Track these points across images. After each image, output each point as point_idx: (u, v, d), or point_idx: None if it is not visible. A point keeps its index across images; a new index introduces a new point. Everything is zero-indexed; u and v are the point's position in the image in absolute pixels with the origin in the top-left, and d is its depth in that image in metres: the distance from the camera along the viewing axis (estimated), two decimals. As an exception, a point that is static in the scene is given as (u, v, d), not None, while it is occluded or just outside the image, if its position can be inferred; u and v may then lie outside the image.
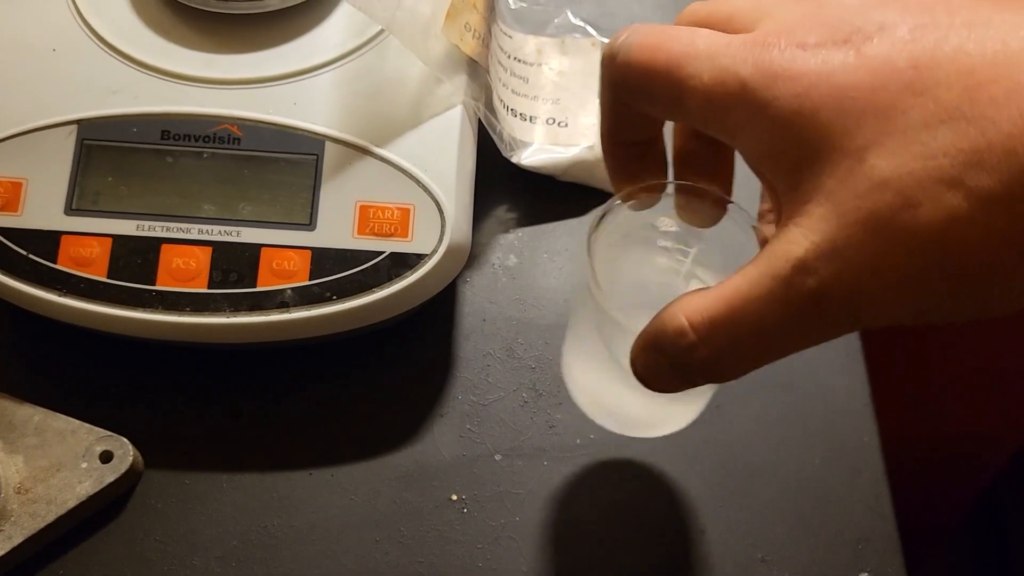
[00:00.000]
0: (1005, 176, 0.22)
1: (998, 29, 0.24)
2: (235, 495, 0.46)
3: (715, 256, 0.37)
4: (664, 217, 0.37)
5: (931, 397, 0.90)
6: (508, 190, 0.55)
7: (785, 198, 0.26)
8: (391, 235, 0.46)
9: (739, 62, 0.26)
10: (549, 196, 0.55)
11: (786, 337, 0.26)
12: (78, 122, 0.46)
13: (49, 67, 0.48)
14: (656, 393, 0.31)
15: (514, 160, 0.54)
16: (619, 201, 0.35)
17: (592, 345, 0.39)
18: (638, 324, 0.31)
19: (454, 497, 0.46)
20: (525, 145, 0.54)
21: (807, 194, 0.25)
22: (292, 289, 0.45)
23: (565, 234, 0.55)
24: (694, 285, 0.38)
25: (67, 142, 0.46)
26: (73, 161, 0.46)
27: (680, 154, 0.34)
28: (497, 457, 0.47)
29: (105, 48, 0.48)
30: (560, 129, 0.56)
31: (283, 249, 0.45)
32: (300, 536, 0.45)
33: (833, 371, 0.51)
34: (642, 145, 0.33)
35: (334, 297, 0.45)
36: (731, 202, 0.34)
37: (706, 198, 0.34)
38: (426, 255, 0.46)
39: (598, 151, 0.55)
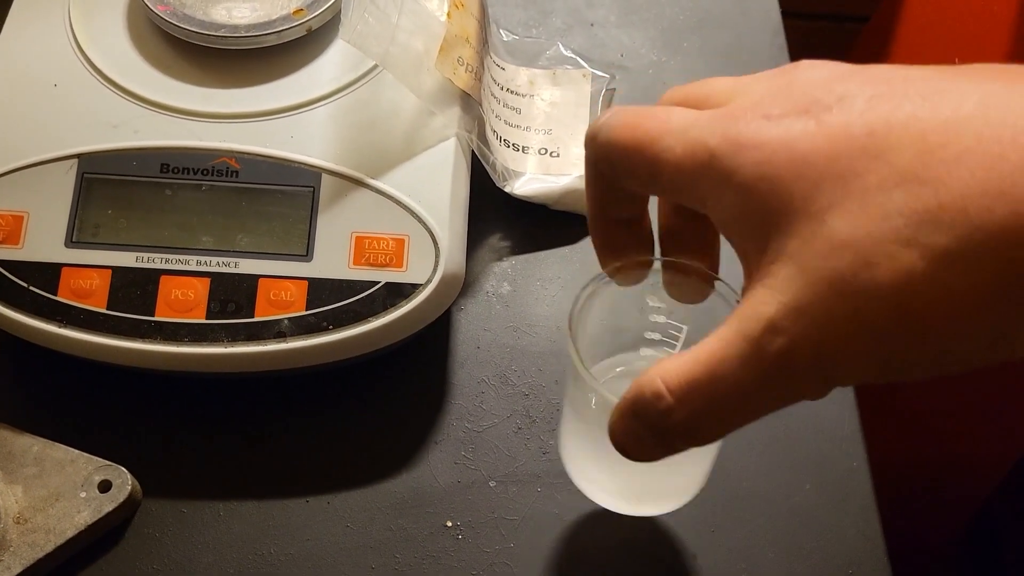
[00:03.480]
0: (958, 234, 0.23)
1: (951, 96, 0.25)
2: (232, 523, 0.46)
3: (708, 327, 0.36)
4: (652, 295, 0.37)
5: (921, 418, 0.91)
6: (501, 219, 0.56)
7: (754, 261, 0.27)
8: (386, 265, 0.47)
9: (708, 133, 0.27)
10: (541, 224, 0.56)
11: (761, 397, 0.27)
12: (78, 156, 0.47)
13: (50, 102, 0.49)
14: (651, 469, 0.31)
15: (507, 190, 0.55)
16: (605, 278, 0.36)
17: (583, 424, 0.40)
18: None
19: (449, 524, 0.47)
20: (518, 175, 0.55)
21: (773, 255, 0.26)
22: (289, 319, 0.46)
23: (557, 262, 0.56)
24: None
25: (68, 176, 0.47)
26: (74, 194, 0.47)
27: (666, 231, 0.35)
28: (491, 483, 0.48)
29: (105, 83, 0.49)
30: (552, 159, 0.57)
31: (280, 280, 0.46)
32: (297, 563, 0.45)
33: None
34: (628, 222, 0.35)
35: (330, 327, 0.46)
36: (718, 279, 0.35)
37: (692, 275, 0.35)
38: (421, 285, 0.46)
39: (590, 181, 0.56)
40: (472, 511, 0.47)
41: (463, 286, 0.51)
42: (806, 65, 0.29)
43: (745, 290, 0.28)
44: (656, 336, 0.40)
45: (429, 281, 0.46)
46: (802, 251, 0.25)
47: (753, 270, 0.27)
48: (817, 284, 0.25)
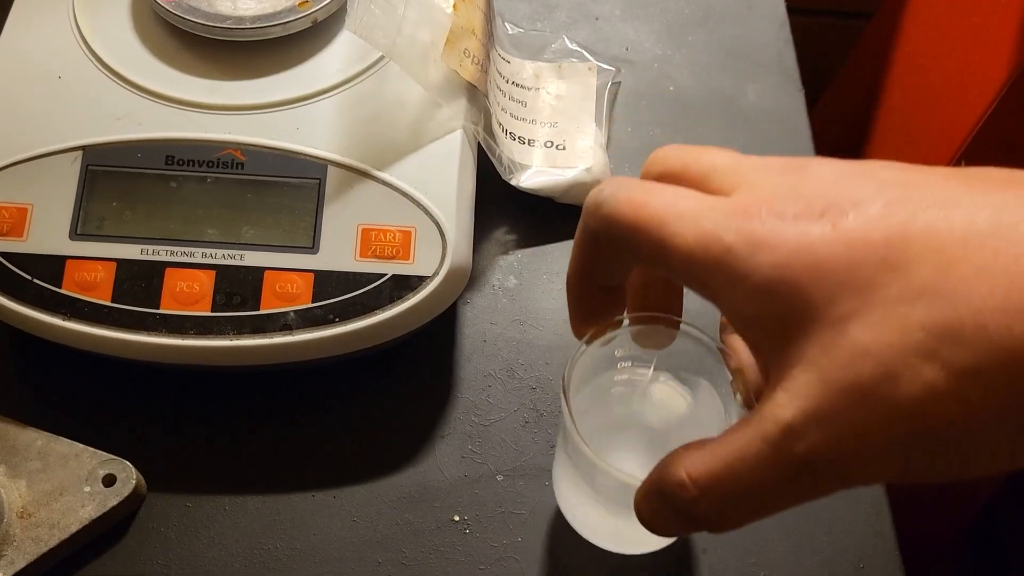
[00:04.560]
0: (978, 351, 0.24)
1: (966, 208, 0.25)
2: (238, 518, 0.46)
3: (673, 361, 0.41)
4: (620, 347, 0.41)
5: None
6: (507, 212, 0.56)
7: (771, 361, 0.28)
8: (393, 258, 0.46)
9: (722, 228, 0.27)
10: (548, 217, 0.56)
11: (780, 495, 0.27)
12: (83, 148, 0.47)
13: (54, 94, 0.48)
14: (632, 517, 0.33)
15: (513, 183, 0.54)
16: (585, 347, 0.38)
17: (575, 471, 0.41)
18: (608, 462, 0.36)
19: (456, 518, 0.46)
20: (524, 168, 0.55)
21: (792, 359, 0.26)
22: (295, 312, 0.45)
23: (563, 255, 0.55)
24: (657, 392, 0.43)
25: (72, 168, 0.47)
26: (78, 186, 0.46)
27: (636, 288, 0.36)
28: (499, 478, 0.48)
29: (110, 75, 0.49)
30: (558, 152, 0.56)
31: (286, 272, 0.46)
32: (303, 558, 0.45)
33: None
34: (610, 288, 0.35)
35: (336, 319, 0.45)
36: (683, 322, 0.38)
37: (659, 324, 0.38)
38: (427, 277, 0.46)
39: (596, 173, 0.56)
40: (479, 505, 0.47)
41: (469, 279, 0.50)
42: (816, 163, 0.29)
43: (762, 391, 0.28)
44: (628, 364, 0.42)
45: (436, 273, 0.46)
46: (822, 358, 0.26)
47: (770, 368, 0.27)
48: (837, 392, 0.25)
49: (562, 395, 0.38)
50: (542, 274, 0.54)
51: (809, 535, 0.47)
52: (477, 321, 0.53)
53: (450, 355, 0.51)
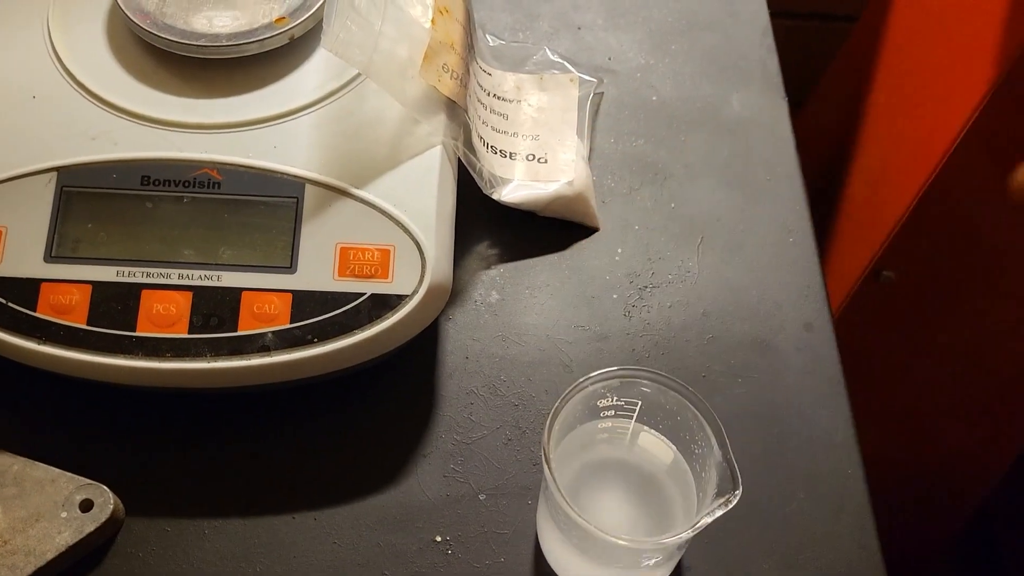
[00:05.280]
0: None
1: None
2: (218, 542, 0.45)
3: (655, 414, 0.44)
4: (604, 398, 0.43)
5: (918, 419, 0.90)
6: (489, 227, 0.56)
7: None
8: (372, 276, 0.46)
9: None
10: (530, 231, 0.56)
11: None
12: (57, 169, 0.46)
13: (28, 114, 0.48)
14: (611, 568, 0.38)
15: (495, 197, 0.54)
16: (562, 403, 0.41)
17: (554, 522, 0.43)
18: (591, 503, 0.41)
19: (438, 539, 0.46)
20: (505, 182, 0.54)
21: None
22: (273, 332, 0.45)
23: (546, 269, 0.55)
24: (644, 441, 0.45)
25: (47, 189, 0.46)
26: (52, 208, 0.46)
27: None
28: (481, 497, 0.47)
29: (84, 94, 0.48)
30: (540, 165, 0.56)
31: (264, 292, 0.45)
32: (284, 581, 0.45)
33: (815, 403, 0.51)
34: None
35: (315, 340, 0.45)
36: (664, 376, 0.43)
37: (642, 378, 0.43)
38: (407, 296, 0.46)
39: (577, 186, 0.55)
40: (462, 525, 0.46)
41: (451, 295, 0.50)
42: None
43: None
44: (611, 412, 0.44)
45: (415, 292, 0.46)
46: None
47: None
48: None
49: (543, 456, 0.40)
50: (524, 289, 0.54)
51: (793, 551, 0.47)
52: (459, 337, 0.52)
53: (432, 372, 0.51)
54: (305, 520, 0.46)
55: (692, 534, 0.39)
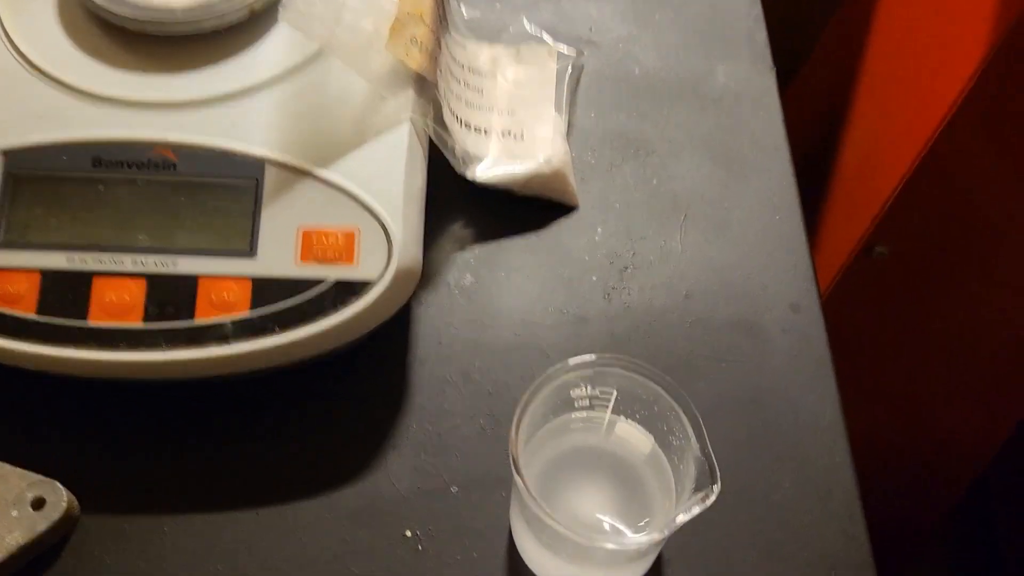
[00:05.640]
0: None
1: None
2: (177, 539, 0.43)
3: (631, 403, 0.42)
4: (577, 387, 0.41)
5: (909, 399, 0.89)
6: (463, 206, 0.54)
7: None
8: (336, 261, 0.44)
9: None
10: (506, 211, 0.53)
11: None
12: (4, 152, 0.44)
13: (-27, 93, 0.46)
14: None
15: (468, 176, 0.52)
16: (532, 394, 0.39)
17: (524, 520, 0.41)
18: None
19: (408, 533, 0.44)
20: (479, 159, 0.52)
21: None
22: (232, 321, 0.43)
23: (524, 250, 0.53)
24: (621, 430, 0.43)
25: (-8, 173, 0.44)
26: (-1, 193, 0.44)
27: None
28: (454, 489, 0.46)
29: (33, 71, 0.46)
30: (516, 142, 0.54)
31: (222, 279, 0.43)
32: (248, 579, 0.43)
33: (802, 387, 0.49)
34: None
35: (277, 328, 0.43)
36: (639, 364, 0.40)
37: (617, 367, 0.41)
38: (372, 281, 0.44)
39: (555, 163, 0.53)
40: (433, 519, 0.45)
41: (423, 278, 0.48)
42: None
43: None
44: (586, 403, 0.42)
45: (381, 277, 0.44)
46: None
47: None
48: None
49: (511, 458, 0.38)
50: (500, 271, 0.52)
51: (778, 540, 0.45)
52: (431, 322, 0.50)
53: (403, 359, 0.49)
54: (269, 515, 0.44)
55: (668, 533, 0.37)
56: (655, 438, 0.42)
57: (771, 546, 0.45)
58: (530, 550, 0.42)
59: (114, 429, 0.46)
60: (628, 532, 0.40)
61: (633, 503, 0.42)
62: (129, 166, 0.44)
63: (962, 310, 0.79)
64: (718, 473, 0.37)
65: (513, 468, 0.37)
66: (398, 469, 0.46)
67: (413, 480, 0.46)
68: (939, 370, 0.85)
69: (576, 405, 0.42)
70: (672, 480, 0.41)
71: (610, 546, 0.39)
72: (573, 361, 0.40)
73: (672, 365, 0.50)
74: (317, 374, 0.47)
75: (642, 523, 0.41)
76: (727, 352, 0.50)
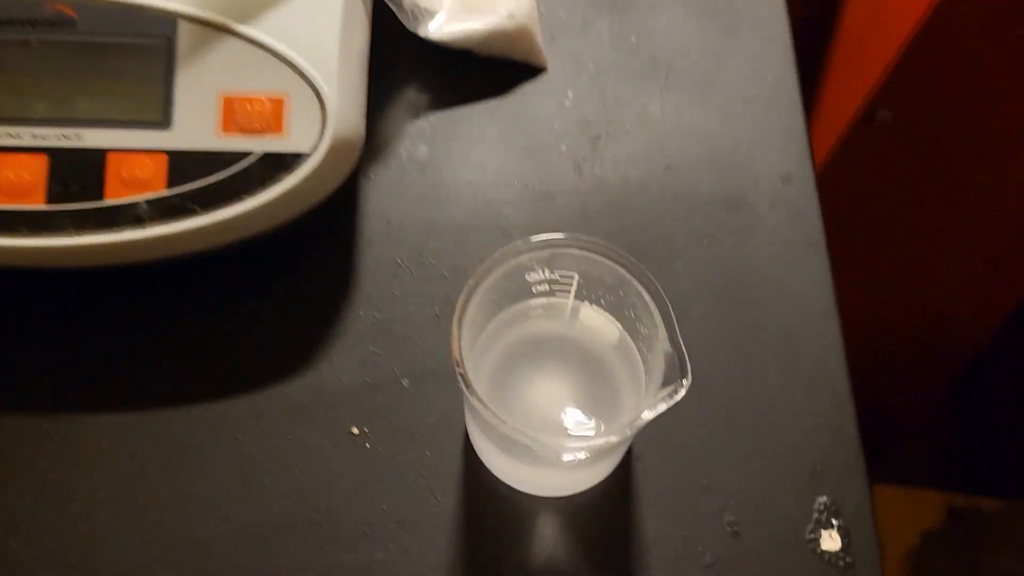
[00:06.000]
0: None
1: None
2: (102, 441, 0.40)
3: (595, 288, 0.37)
4: (532, 271, 0.37)
5: (906, 278, 0.84)
6: (415, 69, 0.48)
7: None
8: (262, 131, 0.39)
9: None
10: (464, 73, 0.48)
11: None
12: None
13: None
14: (546, 472, 0.34)
15: (420, 33, 0.46)
16: (474, 283, 0.35)
17: (472, 417, 0.38)
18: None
19: (355, 431, 0.41)
20: (431, 14, 0.46)
21: None
22: (147, 201, 0.38)
23: (484, 117, 0.47)
24: (586, 317, 0.38)
25: None
26: None
27: None
28: (405, 382, 0.42)
29: (-92, -86, 0.40)
30: (475, -6, 0.48)
31: (134, 153, 0.38)
32: (177, 484, 0.39)
33: (792, 268, 0.45)
34: None
35: (198, 208, 0.38)
36: (599, 243, 0.36)
37: (572, 248, 0.36)
38: (305, 154, 0.39)
39: (520, 19, 0.47)
40: (382, 415, 0.41)
41: (370, 150, 0.43)
42: None
43: None
44: (545, 288, 0.38)
45: (315, 149, 0.39)
46: None
47: None
48: None
49: (453, 356, 0.33)
50: (458, 141, 0.47)
51: (758, 436, 0.41)
52: (380, 199, 0.45)
53: (348, 241, 0.44)
54: (201, 413, 0.40)
55: (631, 434, 0.33)
56: (623, 325, 0.38)
57: (753, 443, 0.41)
58: (486, 451, 0.39)
59: (17, 322, 0.42)
60: (590, 430, 0.37)
61: (601, 395, 0.38)
62: (21, 24, 0.39)
63: (964, 182, 0.74)
64: (688, 366, 0.33)
65: (457, 370, 0.33)
66: (343, 361, 0.42)
67: (360, 373, 0.42)
68: (937, 247, 0.80)
69: (534, 291, 0.38)
70: (642, 371, 0.37)
71: (566, 457, 0.35)
72: (523, 243, 0.35)
73: (649, 245, 0.45)
74: (251, 260, 0.43)
75: (610, 416, 0.37)
76: (710, 229, 0.46)
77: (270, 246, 0.42)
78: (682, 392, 0.33)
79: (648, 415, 0.32)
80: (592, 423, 0.37)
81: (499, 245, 0.44)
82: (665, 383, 0.33)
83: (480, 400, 0.32)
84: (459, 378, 0.33)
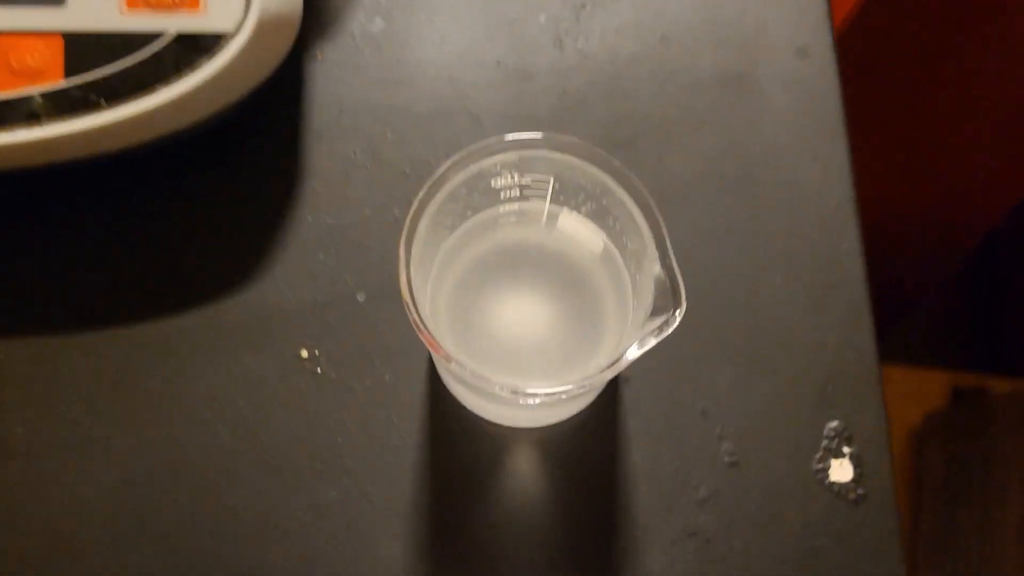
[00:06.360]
0: None
1: None
2: (16, 369, 0.35)
3: (576, 194, 0.32)
4: (498, 176, 0.31)
5: (923, 147, 0.78)
6: (368, -75, 0.41)
7: None
8: (175, 7, 0.32)
9: None
10: (426, -69, 0.41)
11: None
12: None
13: None
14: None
15: None
16: (423, 194, 0.29)
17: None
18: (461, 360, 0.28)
19: (304, 354, 0.36)
20: None
21: None
22: (42, 94, 0.32)
23: (451, -16, 0.41)
24: (566, 223, 0.33)
25: None
26: None
27: None
28: (360, 298, 0.36)
29: None
30: None
31: (22, 37, 0.32)
32: (104, 421, 0.35)
33: (806, 156, 0.39)
34: None
35: (102, 102, 0.32)
36: (575, 141, 0.30)
37: (542, 148, 0.30)
38: (228, 34, 0.32)
39: None
40: (334, 336, 0.36)
41: (315, 25, 0.37)
42: None
43: None
44: (516, 193, 0.32)
45: (240, 27, 0.32)
46: None
47: None
48: None
49: (402, 287, 0.28)
50: (419, 12, 0.40)
51: (762, 353, 0.36)
52: (329, 83, 0.39)
53: (292, 133, 0.38)
54: (130, 338, 0.36)
55: (610, 376, 0.28)
56: (607, 235, 0.32)
57: (755, 361, 0.36)
58: (452, 382, 0.34)
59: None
60: (567, 363, 0.32)
61: (583, 310, 0.33)
62: None
63: (992, 45, 0.66)
64: (683, 293, 0.28)
65: (404, 289, 0.28)
66: (289, 274, 0.36)
67: (309, 288, 0.36)
68: (956, 119, 0.74)
69: (502, 197, 0.32)
70: (629, 288, 0.32)
71: (533, 402, 0.30)
72: (479, 147, 0.29)
73: (639, 132, 0.39)
74: (175, 161, 0.37)
75: (593, 339, 0.32)
76: (712, 112, 0.39)
77: (196, 145, 0.36)
78: (675, 324, 0.27)
79: (634, 353, 0.27)
80: (571, 349, 0.32)
81: (468, 134, 0.38)
82: (655, 311, 0.28)
83: (432, 339, 0.27)
84: (409, 314, 0.28)
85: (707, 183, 0.38)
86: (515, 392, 0.28)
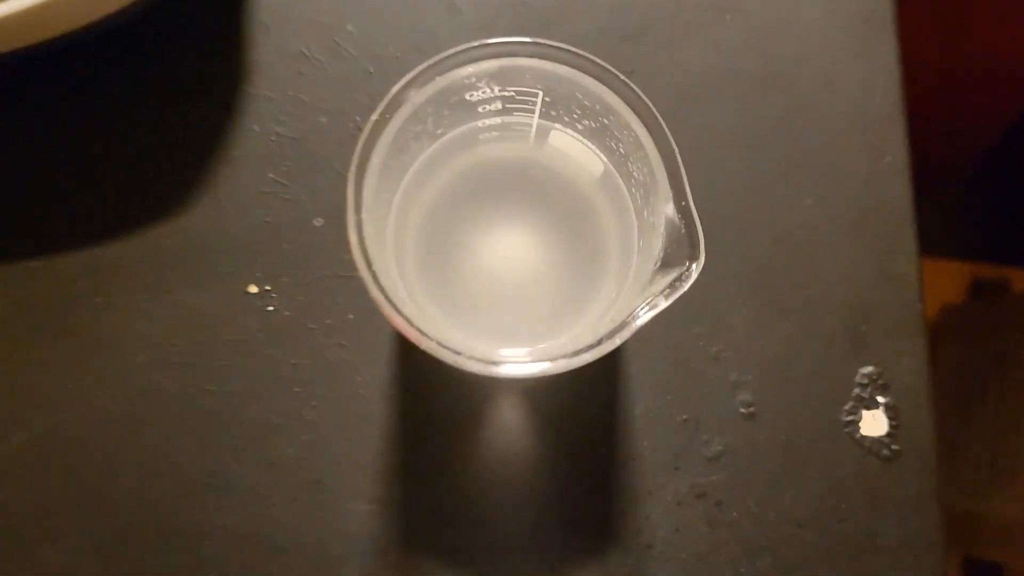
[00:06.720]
0: None
1: None
2: (-91, 313, 0.30)
3: (564, 106, 0.26)
4: (474, 91, 0.25)
5: (964, 18, 0.71)
6: None
7: None
8: None
9: None
10: None
11: None
12: None
13: None
14: None
15: None
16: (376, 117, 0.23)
17: None
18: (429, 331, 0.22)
19: (253, 289, 0.31)
20: None
21: None
22: (-87, -21, 0.26)
23: None
24: (558, 140, 0.27)
25: None
26: None
27: None
28: (318, 222, 0.31)
29: None
30: None
31: None
32: (33, 369, 0.30)
33: (848, 53, 0.33)
34: None
35: (-11, -10, 0.26)
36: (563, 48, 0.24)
37: (524, 58, 0.24)
38: (139, -98, 0.26)
39: None
40: (288, 267, 0.31)
41: None
42: None
43: None
44: (497, 106, 0.26)
45: None
46: None
47: None
48: None
49: (347, 219, 0.23)
50: None
51: (786, 288, 0.31)
52: (280, -38, 0.33)
53: (233, 28, 0.32)
54: (56, 268, 0.30)
55: (608, 349, 0.23)
56: (608, 159, 0.27)
57: (778, 298, 0.31)
58: None
59: None
60: (559, 321, 0.27)
61: (579, 247, 0.28)
62: None
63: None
64: (702, 242, 0.22)
65: (350, 231, 0.23)
66: (235, 196, 0.31)
67: (258, 211, 0.31)
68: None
69: (480, 111, 0.26)
70: (634, 225, 0.27)
71: (481, 367, 0.25)
72: (447, 56, 0.23)
73: (650, 19, 0.33)
74: (100, 60, 0.31)
75: (590, 288, 0.27)
76: (735, 1, 0.33)
77: (120, 42, 0.30)
78: (691, 280, 0.22)
79: (641, 318, 0.22)
80: (564, 296, 0.27)
81: (445, 25, 0.32)
82: (666, 262, 0.23)
83: (388, 303, 0.22)
84: (359, 269, 0.23)
85: (727, 81, 0.33)
86: (493, 363, 0.23)
